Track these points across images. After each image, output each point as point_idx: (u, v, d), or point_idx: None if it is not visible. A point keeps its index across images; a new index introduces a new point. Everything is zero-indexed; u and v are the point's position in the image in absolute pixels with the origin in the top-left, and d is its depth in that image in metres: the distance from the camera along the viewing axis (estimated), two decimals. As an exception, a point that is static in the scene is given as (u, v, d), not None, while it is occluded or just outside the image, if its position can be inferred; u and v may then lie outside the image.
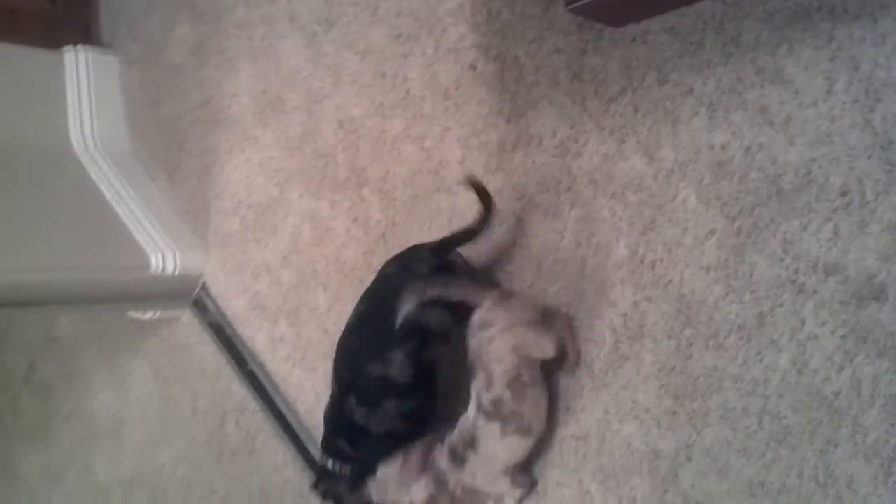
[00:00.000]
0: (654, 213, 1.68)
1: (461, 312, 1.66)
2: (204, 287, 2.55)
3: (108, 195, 2.64)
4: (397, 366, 1.69)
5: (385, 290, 1.71)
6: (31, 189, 2.52)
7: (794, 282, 1.52)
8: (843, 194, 1.47)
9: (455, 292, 1.65)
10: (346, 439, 1.79)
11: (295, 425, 2.31)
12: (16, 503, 3.23)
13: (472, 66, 1.99)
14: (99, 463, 2.89)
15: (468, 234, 1.75)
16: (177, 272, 2.51)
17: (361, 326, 1.76)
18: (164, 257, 2.49)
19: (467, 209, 1.90)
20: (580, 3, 1.60)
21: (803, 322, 1.51)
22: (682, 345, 1.64)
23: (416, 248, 1.77)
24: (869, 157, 1.45)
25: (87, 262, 2.40)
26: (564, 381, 1.79)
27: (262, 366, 2.39)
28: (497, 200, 1.83)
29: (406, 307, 1.62)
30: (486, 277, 1.90)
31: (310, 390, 2.28)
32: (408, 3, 2.10)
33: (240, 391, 2.44)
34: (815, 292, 1.50)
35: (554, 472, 1.80)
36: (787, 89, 1.53)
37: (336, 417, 1.80)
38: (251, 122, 2.48)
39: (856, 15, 1.47)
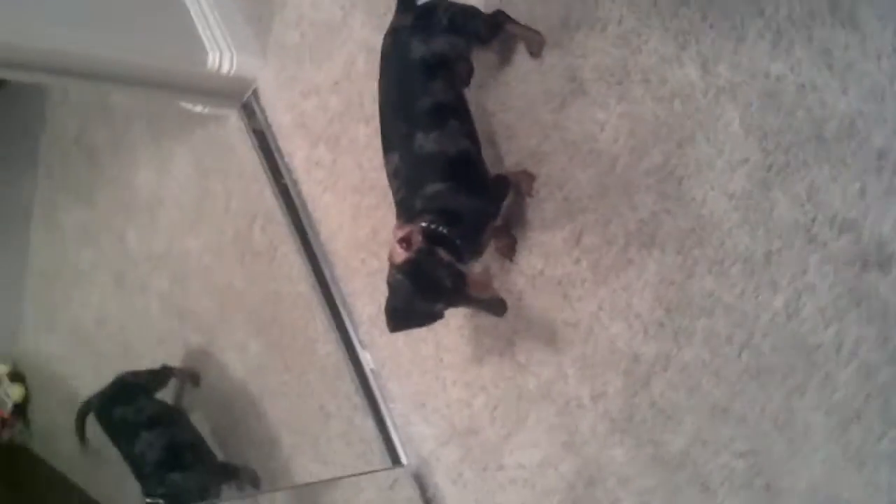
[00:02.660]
0: (695, 127, 1.67)
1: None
2: (255, 93, 2.60)
3: (177, -20, 2.64)
4: (440, 91, 1.76)
5: (403, 44, 1.79)
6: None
7: (808, 230, 1.53)
8: (880, 157, 1.46)
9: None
10: (431, 182, 1.74)
11: (315, 245, 2.42)
12: (51, 252, 3.44)
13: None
14: (132, 234, 3.06)
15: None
16: (232, 72, 2.54)
17: (398, 82, 1.81)
18: (222, 56, 2.52)
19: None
20: None
21: (806, 271, 1.54)
22: (688, 263, 1.68)
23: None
24: (915, 128, 1.42)
25: (148, 45, 2.44)
26: (564, 270, 1.84)
27: (295, 183, 2.47)
28: (548, 77, 1.83)
29: (421, 48, 1.74)
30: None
31: (335, 216, 2.36)
32: None
33: (271, 200, 2.53)
34: (825, 245, 1.52)
35: (538, 350, 1.90)
36: (856, 35, 1.49)
37: (413, 169, 1.77)
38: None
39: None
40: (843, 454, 1.52)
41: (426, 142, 1.72)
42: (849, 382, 1.51)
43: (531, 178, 1.91)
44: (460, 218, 1.70)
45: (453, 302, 1.67)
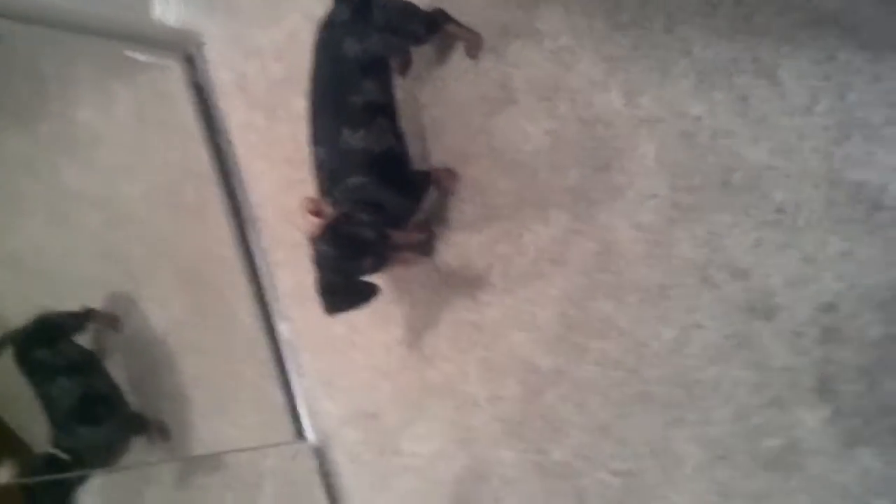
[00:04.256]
0: (611, 155, 1.70)
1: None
2: (198, 47, 2.56)
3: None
4: (372, 90, 1.78)
5: (337, 40, 1.79)
6: None
7: (704, 271, 1.58)
8: (779, 211, 1.50)
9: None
10: (355, 175, 1.77)
11: (244, 210, 2.43)
12: (-10, 180, 3.40)
13: (505, -65, 1.91)
14: (70, 170, 3.03)
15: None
16: (177, 24, 2.51)
17: (329, 78, 1.81)
18: (168, 5, 2.49)
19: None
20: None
21: (697, 309, 1.59)
22: (591, 285, 1.72)
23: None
24: (816, 187, 1.47)
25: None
26: (475, 273, 1.88)
27: (229, 144, 2.47)
28: (482, 81, 1.85)
29: (356, 46, 1.75)
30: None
31: (266, 184, 2.37)
32: None
33: (205, 158, 2.52)
34: (717, 287, 1.57)
35: (444, 346, 1.95)
36: (774, 90, 1.51)
37: (338, 163, 1.78)
38: None
39: (864, 44, 1.43)
40: (709, 488, 1.59)
41: (352, 139, 1.74)
42: (724, 420, 1.57)
43: (455, 177, 1.94)
44: (381, 210, 1.73)
45: (378, 251, 1.71)
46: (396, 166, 1.80)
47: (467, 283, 1.91)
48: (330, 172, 1.78)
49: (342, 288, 1.75)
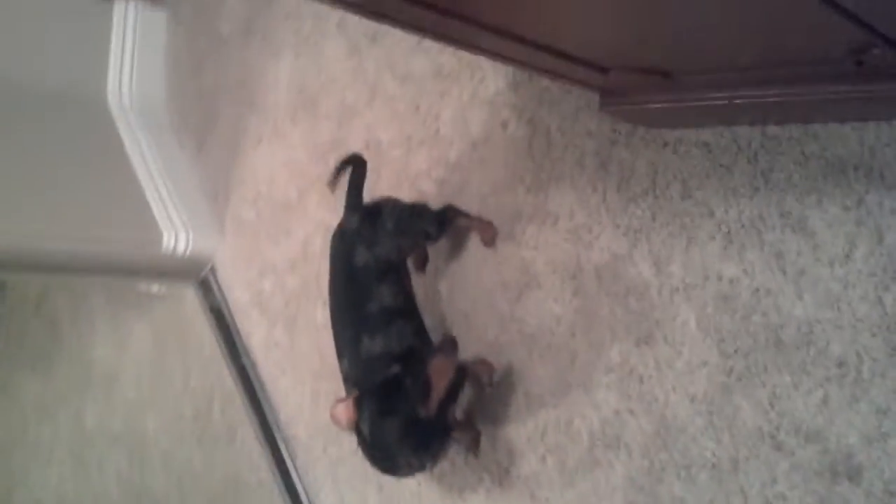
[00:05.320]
0: (651, 326, 1.65)
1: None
2: (212, 270, 2.56)
3: (132, 156, 2.64)
4: (387, 295, 1.75)
5: (348, 248, 1.79)
6: (58, 137, 2.53)
7: (774, 437, 1.49)
8: (840, 365, 1.43)
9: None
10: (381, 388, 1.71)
11: (275, 430, 2.34)
12: (12, 429, 3.33)
13: (504, 125, 1.94)
14: (90, 410, 2.97)
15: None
16: (188, 252, 2.52)
17: (344, 287, 1.79)
18: (178, 236, 2.50)
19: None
20: (613, 107, 1.55)
21: (775, 480, 1.49)
22: (655, 467, 1.62)
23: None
24: (873, 335, 1.40)
25: (99, 230, 2.42)
26: (530, 468, 1.78)
27: (254, 364, 2.42)
28: (503, 268, 1.82)
29: (367, 254, 1.75)
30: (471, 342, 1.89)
31: (293, 401, 2.30)
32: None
33: (229, 381, 2.47)
34: (792, 454, 1.47)
35: (507, 552, 1.82)
36: (807, 241, 1.48)
37: (362, 372, 1.74)
38: (283, 117, 2.46)
39: (892, 185, 1.40)
40: None
41: (372, 345, 1.70)
42: None
43: (490, 368, 1.87)
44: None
45: (423, 398, 1.63)
46: (419, 363, 1.74)
47: (522, 480, 1.81)
48: (355, 384, 1.72)
49: (386, 448, 1.66)
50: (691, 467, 1.58)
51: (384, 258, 1.75)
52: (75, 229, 2.33)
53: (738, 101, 1.37)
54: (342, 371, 1.76)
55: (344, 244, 1.80)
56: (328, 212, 2.27)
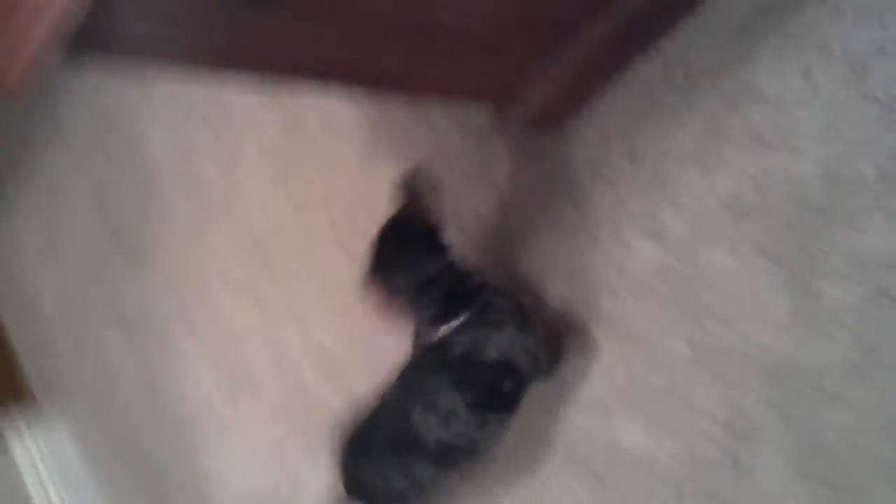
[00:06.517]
0: (693, 292, 1.46)
1: None
2: None
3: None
4: None
5: None
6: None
7: (880, 292, 1.27)
8: (880, 178, 1.27)
9: None
10: None
11: None
12: None
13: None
14: None
15: None
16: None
17: None
18: None
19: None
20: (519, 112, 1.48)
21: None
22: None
23: None
24: (887, 128, 1.26)
25: None
26: None
27: None
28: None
29: None
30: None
31: None
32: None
33: None
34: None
35: None
36: (766, 103, 1.37)
37: None
38: None
39: (799, 2, 1.34)
40: None
41: None
42: None
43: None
44: None
45: None
46: None
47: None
48: None
49: None
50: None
51: None
52: None
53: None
54: None
55: None
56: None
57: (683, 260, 1.46)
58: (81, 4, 0.76)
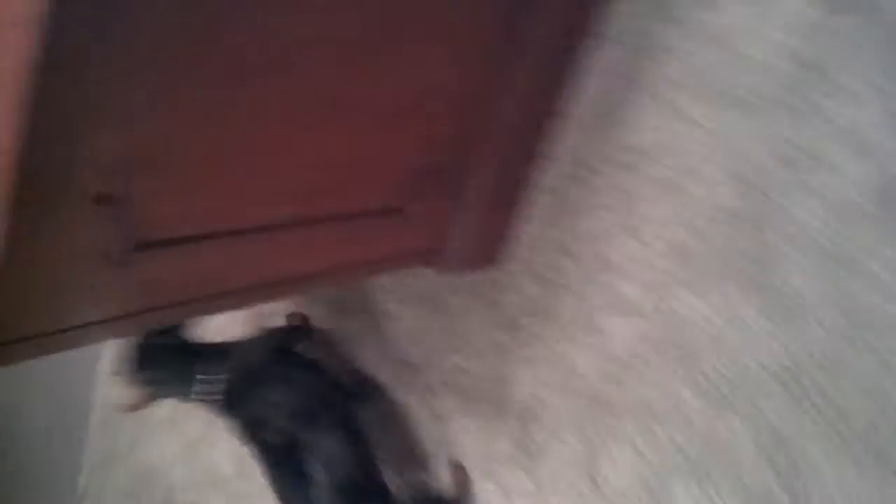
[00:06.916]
0: (680, 341, 1.47)
1: None
2: None
3: None
4: None
5: None
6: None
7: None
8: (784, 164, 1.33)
9: None
10: None
11: None
12: None
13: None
14: None
15: None
16: None
17: None
18: None
19: None
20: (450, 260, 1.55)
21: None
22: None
23: None
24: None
25: None
26: None
27: None
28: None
29: None
30: None
31: None
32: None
33: None
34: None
35: None
36: (657, 153, 1.46)
37: None
38: None
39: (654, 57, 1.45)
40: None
41: None
42: None
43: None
44: None
45: None
46: None
47: None
48: None
49: None
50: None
51: None
52: None
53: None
54: None
55: None
56: None
57: (656, 318, 1.49)
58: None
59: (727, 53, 1.39)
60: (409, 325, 1.82)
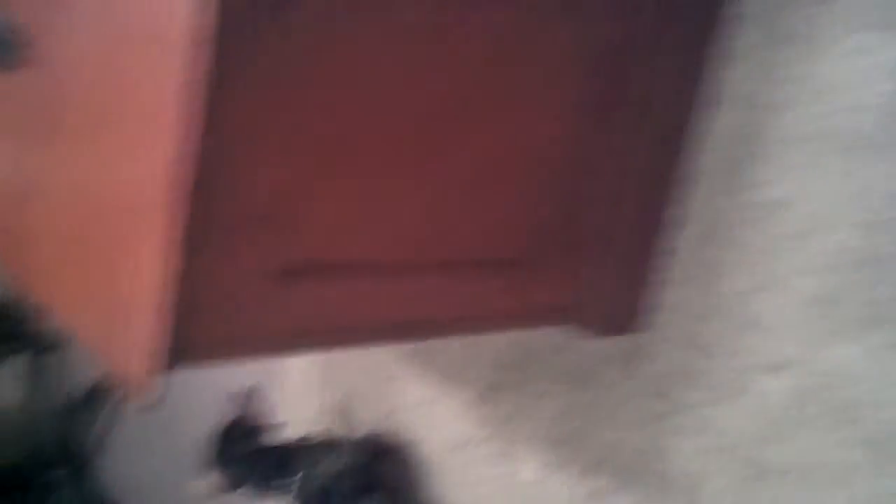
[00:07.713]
0: (838, 396, 1.42)
1: None
2: None
3: None
4: None
5: None
6: None
7: None
8: None
9: None
10: None
11: None
12: None
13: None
14: None
15: None
16: None
17: None
18: None
19: None
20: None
21: None
22: None
23: None
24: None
25: None
26: None
27: None
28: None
29: None
30: None
31: None
32: None
33: None
34: None
35: None
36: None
37: None
38: None
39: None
40: None
41: None
42: None
43: None
44: None
45: None
46: None
47: None
48: None
49: None
50: None
51: None
52: None
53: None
54: None
55: None
56: None
57: (807, 373, 1.45)
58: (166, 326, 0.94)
59: (841, 101, 1.42)
60: (559, 402, 1.83)
